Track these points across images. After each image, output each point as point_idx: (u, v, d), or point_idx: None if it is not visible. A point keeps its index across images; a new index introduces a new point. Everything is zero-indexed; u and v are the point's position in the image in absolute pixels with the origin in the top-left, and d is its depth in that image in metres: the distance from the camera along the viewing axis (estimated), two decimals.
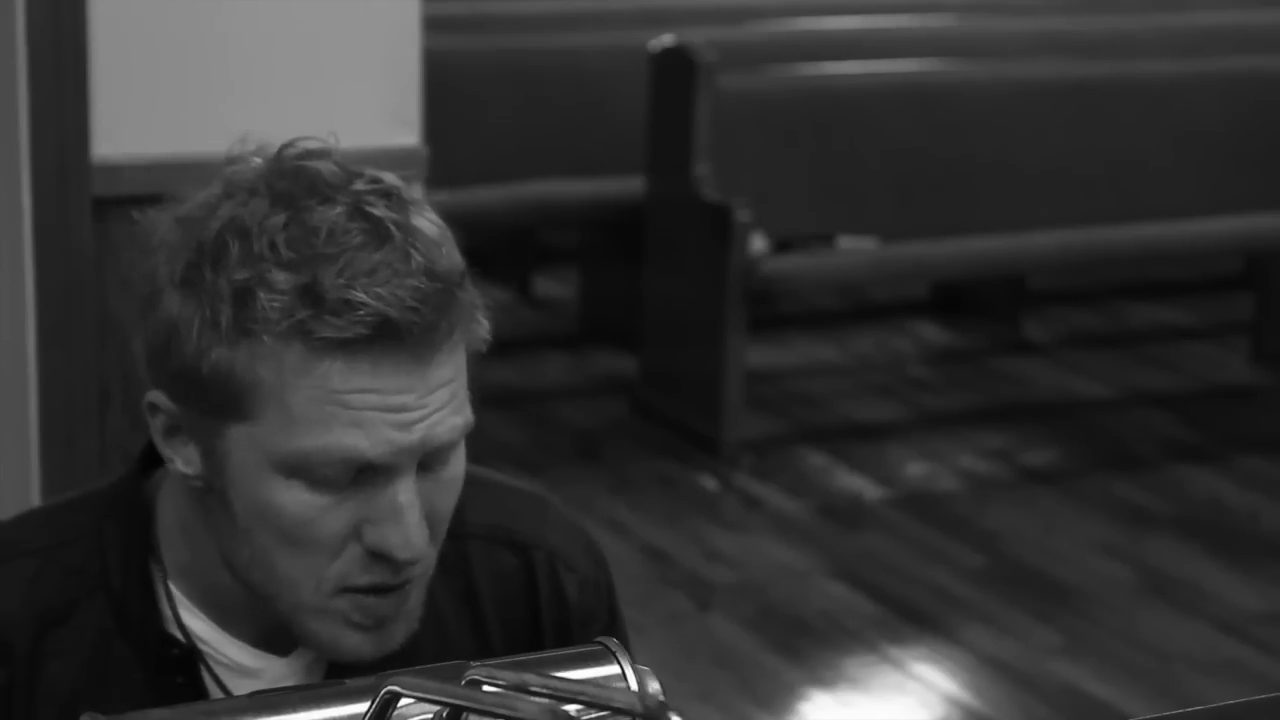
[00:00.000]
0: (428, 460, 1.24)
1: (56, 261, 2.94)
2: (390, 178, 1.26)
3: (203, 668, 1.33)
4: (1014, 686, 4.05)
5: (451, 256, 1.23)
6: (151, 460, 1.34)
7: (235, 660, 1.33)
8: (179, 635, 1.32)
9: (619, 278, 5.54)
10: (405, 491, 1.22)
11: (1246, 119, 5.63)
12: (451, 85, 5.00)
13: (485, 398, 5.24)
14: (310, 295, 1.18)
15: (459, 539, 1.38)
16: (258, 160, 1.26)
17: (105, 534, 1.33)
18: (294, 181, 1.22)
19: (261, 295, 1.18)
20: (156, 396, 1.27)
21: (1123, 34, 5.92)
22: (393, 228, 1.20)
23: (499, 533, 1.42)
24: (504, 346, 6.18)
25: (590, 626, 1.41)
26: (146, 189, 1.33)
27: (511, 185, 5.31)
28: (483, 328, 1.28)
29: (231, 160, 1.26)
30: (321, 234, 1.19)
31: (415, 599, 1.29)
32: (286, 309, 1.18)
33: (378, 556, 1.23)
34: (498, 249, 6.04)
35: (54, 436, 3.01)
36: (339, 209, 1.20)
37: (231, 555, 1.28)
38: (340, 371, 1.19)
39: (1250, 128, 5.63)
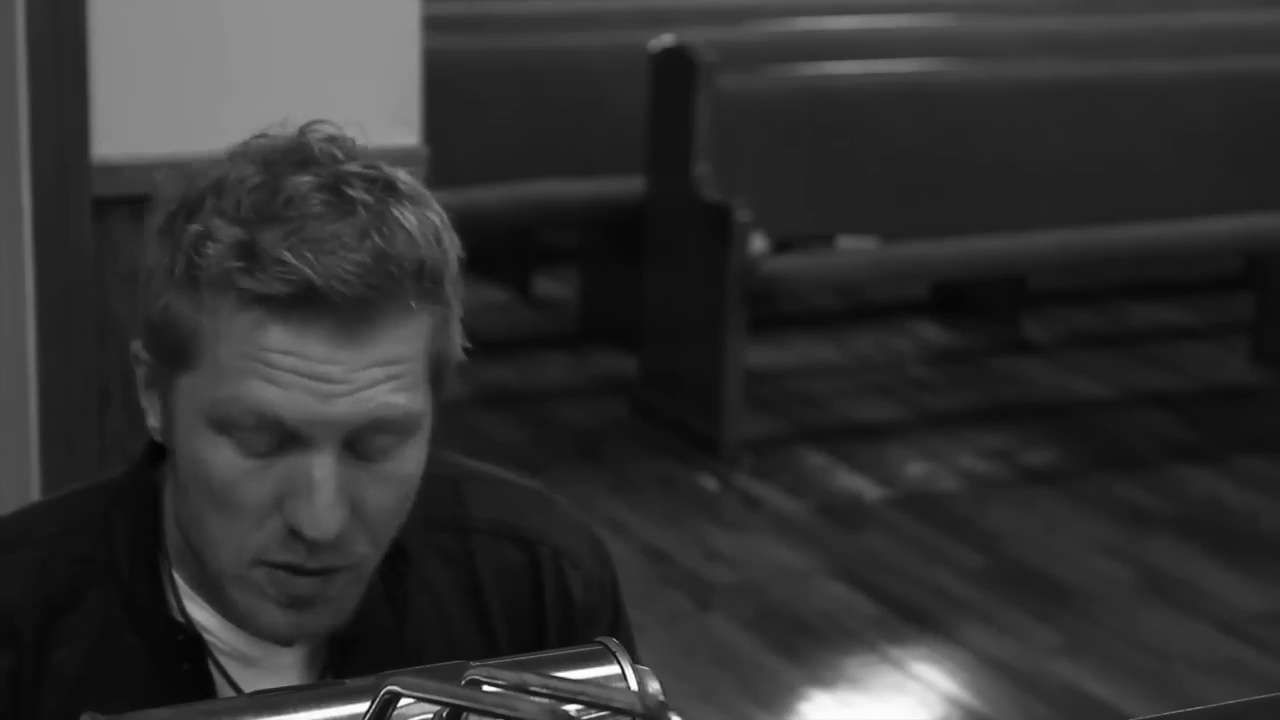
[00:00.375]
0: (360, 445, 1.24)
1: (56, 261, 2.95)
2: (394, 171, 1.27)
3: (208, 656, 1.34)
4: (1014, 686, 4.05)
5: (425, 251, 1.23)
6: (160, 451, 1.35)
7: (237, 648, 1.34)
8: (182, 621, 1.33)
9: (619, 278, 5.54)
10: (320, 468, 1.22)
11: (1246, 119, 5.63)
12: (451, 85, 4.99)
13: (485, 398, 5.24)
14: (247, 250, 1.20)
15: (464, 533, 1.39)
16: (276, 133, 1.29)
17: (113, 522, 1.35)
18: (286, 153, 1.25)
19: (208, 245, 1.21)
20: (136, 345, 1.31)
21: (1122, 34, 5.92)
22: (360, 208, 1.21)
23: (504, 528, 1.42)
24: (504, 346, 6.18)
25: (595, 624, 1.41)
26: (146, 189, 1.34)
27: (511, 185, 5.31)
28: (452, 332, 1.28)
29: (258, 135, 1.29)
30: (282, 197, 1.21)
31: (342, 590, 1.28)
32: (220, 258, 1.20)
33: (295, 534, 1.23)
34: (498, 249, 6.04)
35: (54, 436, 3.01)
36: (311, 179, 1.22)
37: (178, 515, 1.31)
38: (265, 328, 1.20)
39: (1250, 128, 5.63)
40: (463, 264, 1.29)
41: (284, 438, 1.22)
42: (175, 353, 1.24)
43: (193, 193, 1.24)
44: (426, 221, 1.25)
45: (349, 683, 1.14)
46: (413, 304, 1.23)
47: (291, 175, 1.23)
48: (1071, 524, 4.58)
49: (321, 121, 1.30)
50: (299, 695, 1.16)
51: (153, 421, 1.31)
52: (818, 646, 4.00)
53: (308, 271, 1.18)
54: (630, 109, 5.21)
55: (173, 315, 1.24)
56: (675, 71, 4.92)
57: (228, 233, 1.21)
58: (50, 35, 2.88)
